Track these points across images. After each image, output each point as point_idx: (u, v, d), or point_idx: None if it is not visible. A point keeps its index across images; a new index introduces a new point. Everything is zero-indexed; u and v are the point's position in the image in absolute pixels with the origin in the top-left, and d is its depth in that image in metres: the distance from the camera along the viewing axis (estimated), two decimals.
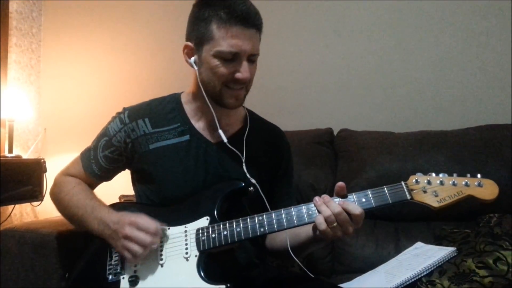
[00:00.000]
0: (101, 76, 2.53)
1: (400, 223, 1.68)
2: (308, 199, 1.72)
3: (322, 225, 0.97)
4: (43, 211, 2.38)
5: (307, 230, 1.08)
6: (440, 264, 1.27)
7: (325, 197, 1.00)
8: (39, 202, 2.20)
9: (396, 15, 2.11)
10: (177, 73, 2.33)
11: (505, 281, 1.15)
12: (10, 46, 2.41)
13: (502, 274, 1.16)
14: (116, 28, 2.53)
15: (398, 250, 1.53)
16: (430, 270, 1.25)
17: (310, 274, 1.15)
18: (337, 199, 1.00)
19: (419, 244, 1.47)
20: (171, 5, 2.42)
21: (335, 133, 2.01)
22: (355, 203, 0.98)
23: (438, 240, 1.51)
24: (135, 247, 1.01)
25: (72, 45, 2.58)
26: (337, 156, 1.91)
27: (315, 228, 1.03)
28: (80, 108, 2.53)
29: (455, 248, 1.32)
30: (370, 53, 2.14)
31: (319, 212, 0.98)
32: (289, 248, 1.11)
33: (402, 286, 1.23)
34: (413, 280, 1.24)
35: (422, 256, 1.35)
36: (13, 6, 2.43)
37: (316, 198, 1.00)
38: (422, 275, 1.25)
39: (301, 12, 2.23)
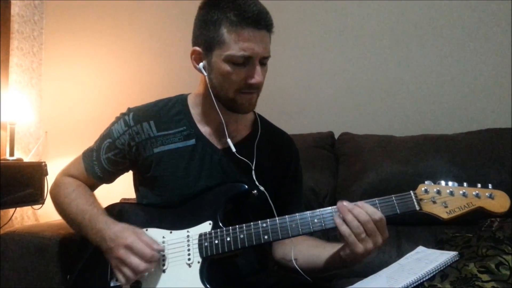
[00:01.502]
0: (103, 79, 2.54)
1: (402, 227, 1.67)
2: (309, 203, 1.73)
3: (351, 237, 0.92)
4: (44, 215, 2.38)
5: (332, 260, 1.06)
6: (442, 268, 1.26)
7: (347, 204, 0.95)
8: (40, 206, 2.20)
9: (397, 19, 2.11)
10: (180, 76, 2.35)
11: (507, 285, 1.14)
12: (12, 49, 2.42)
13: (504, 279, 1.16)
14: (117, 31, 2.54)
15: (400, 254, 1.52)
16: (432, 275, 1.24)
17: (309, 279, 1.14)
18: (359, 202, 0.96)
19: (420, 249, 1.46)
20: (173, 7, 2.43)
21: (336, 136, 2.01)
22: (377, 207, 0.95)
23: (440, 245, 1.50)
24: (127, 272, 0.98)
25: (73, 48, 2.59)
26: (338, 159, 1.91)
27: (340, 255, 1.01)
28: (82, 111, 2.53)
29: (457, 253, 1.31)
30: (371, 56, 2.14)
31: (344, 221, 0.94)
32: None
33: None
34: (415, 284, 1.23)
35: (424, 260, 1.34)
36: (14, 9, 2.43)
37: (339, 206, 0.95)
38: (424, 279, 1.24)
39: (303, 16, 2.23)
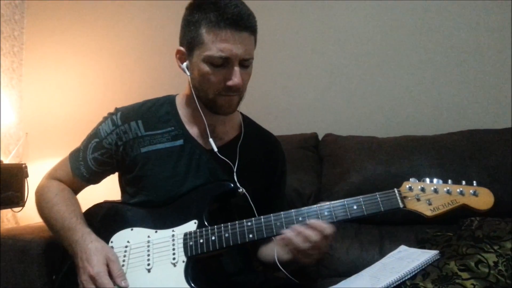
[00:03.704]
0: (84, 81, 2.50)
1: (384, 227, 1.69)
2: (293, 203, 1.74)
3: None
4: (25, 217, 2.34)
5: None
6: (423, 267, 1.28)
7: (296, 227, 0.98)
8: (21, 208, 2.16)
9: (380, 21, 2.13)
10: (163, 78, 2.34)
11: (486, 283, 1.17)
12: None
13: (483, 276, 1.18)
14: (100, 31, 2.51)
15: (382, 254, 1.54)
16: (414, 273, 1.26)
17: (295, 280, 1.14)
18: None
19: (402, 248, 1.48)
20: (157, 7, 2.42)
21: (320, 137, 2.02)
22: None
23: (421, 244, 1.52)
24: None
25: (55, 48, 2.55)
26: (322, 160, 1.92)
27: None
28: (63, 112, 2.49)
29: (438, 252, 1.33)
30: (354, 58, 2.16)
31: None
32: (277, 261, 1.10)
33: None
34: (397, 283, 1.24)
35: (406, 259, 1.35)
36: None
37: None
38: (406, 278, 1.25)
39: (286, 17, 2.24)
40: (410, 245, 1.49)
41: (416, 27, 2.09)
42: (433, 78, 2.06)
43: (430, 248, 1.41)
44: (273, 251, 1.12)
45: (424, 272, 1.27)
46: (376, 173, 1.70)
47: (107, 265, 1.00)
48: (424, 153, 1.71)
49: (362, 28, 2.16)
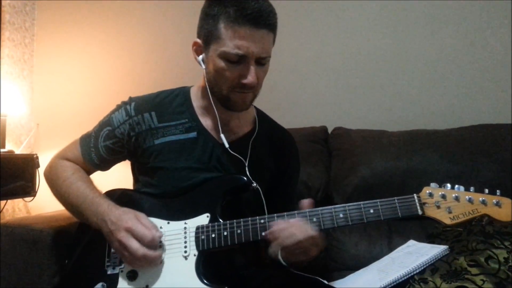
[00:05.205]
0: (95, 72, 2.51)
1: (393, 221, 1.69)
2: (302, 197, 1.74)
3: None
4: (36, 207, 2.37)
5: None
6: (432, 262, 1.27)
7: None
8: (32, 198, 2.19)
9: (391, 14, 2.11)
10: (173, 69, 2.34)
11: (496, 279, 1.16)
12: (3, 40, 2.39)
13: (493, 272, 1.17)
14: (110, 23, 2.52)
15: (391, 248, 1.54)
16: (422, 268, 1.26)
17: (303, 273, 1.14)
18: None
19: (411, 242, 1.47)
20: (167, 1, 2.41)
21: (330, 131, 2.02)
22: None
23: (430, 238, 1.51)
24: (127, 255, 0.99)
25: (66, 40, 2.56)
26: (331, 154, 1.91)
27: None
28: (73, 103, 2.51)
29: (447, 247, 1.33)
30: (365, 51, 2.14)
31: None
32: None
33: (395, 283, 1.23)
34: (405, 277, 1.24)
35: (415, 254, 1.35)
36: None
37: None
38: (415, 272, 1.25)
39: (296, 11, 2.23)
40: (419, 239, 1.49)
41: (425, 21, 2.07)
42: (444, 72, 2.04)
43: (439, 243, 1.40)
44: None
45: (433, 267, 1.26)
46: (386, 167, 1.69)
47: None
48: (434, 147, 1.69)
49: (372, 22, 2.13)
